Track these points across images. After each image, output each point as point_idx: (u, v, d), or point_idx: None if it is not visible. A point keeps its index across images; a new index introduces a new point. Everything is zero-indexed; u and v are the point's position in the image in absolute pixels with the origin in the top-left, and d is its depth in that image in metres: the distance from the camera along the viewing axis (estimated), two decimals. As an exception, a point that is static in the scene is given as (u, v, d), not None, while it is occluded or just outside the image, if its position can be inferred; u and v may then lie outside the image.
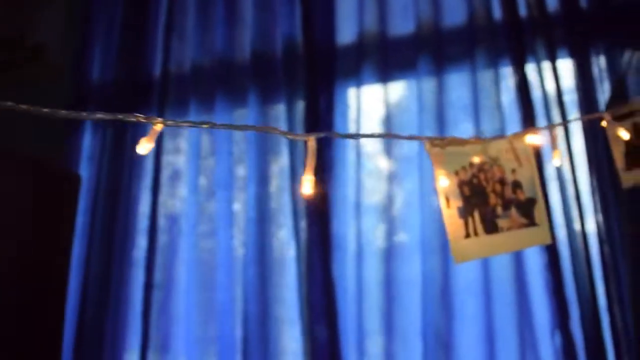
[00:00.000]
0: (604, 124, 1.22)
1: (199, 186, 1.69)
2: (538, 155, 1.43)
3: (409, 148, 1.60)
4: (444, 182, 1.11)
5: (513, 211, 1.15)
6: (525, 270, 1.51)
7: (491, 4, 1.62)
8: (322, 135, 0.99)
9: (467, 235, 1.12)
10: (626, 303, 1.44)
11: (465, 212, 1.13)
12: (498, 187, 1.16)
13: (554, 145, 1.18)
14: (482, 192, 1.15)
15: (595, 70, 1.53)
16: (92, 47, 1.86)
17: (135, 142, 1.67)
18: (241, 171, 1.67)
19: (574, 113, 1.55)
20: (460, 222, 1.12)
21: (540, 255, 1.50)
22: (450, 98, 1.59)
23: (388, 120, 1.64)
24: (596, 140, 1.47)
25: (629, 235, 1.45)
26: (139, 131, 1.69)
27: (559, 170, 1.49)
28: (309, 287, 1.55)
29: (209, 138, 1.71)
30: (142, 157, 1.70)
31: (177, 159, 1.74)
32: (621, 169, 1.20)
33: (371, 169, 1.63)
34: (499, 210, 1.15)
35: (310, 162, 0.92)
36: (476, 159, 1.14)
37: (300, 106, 1.65)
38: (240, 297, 1.59)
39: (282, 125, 1.65)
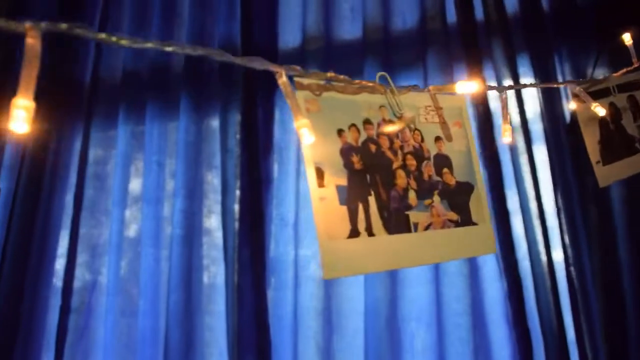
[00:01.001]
0: (572, 105, 1.05)
1: (123, 200, 1.52)
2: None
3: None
4: (308, 139, 0.67)
5: (436, 200, 0.79)
6: (482, 298, 1.32)
7: (445, 7, 1.48)
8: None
9: (353, 234, 0.71)
10: (598, 335, 1.25)
11: (352, 197, 0.72)
12: (412, 162, 0.79)
13: (504, 115, 0.90)
14: (384, 167, 0.76)
15: (558, 75, 1.37)
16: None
17: (58, 151, 1.58)
18: (170, 184, 1.52)
19: (537, 124, 1.39)
20: (342, 211, 0.70)
21: (500, 282, 1.31)
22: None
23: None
24: (561, 150, 1.30)
25: (599, 257, 1.28)
26: (62, 141, 1.57)
27: (519, 185, 1.32)
28: (239, 313, 1.36)
29: (138, 146, 1.56)
30: (64, 167, 1.56)
31: (103, 169, 1.59)
32: (596, 163, 1.04)
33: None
34: (412, 197, 0.78)
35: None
36: (375, 116, 0.76)
37: (236, 116, 1.50)
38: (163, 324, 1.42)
39: (216, 137, 1.51)
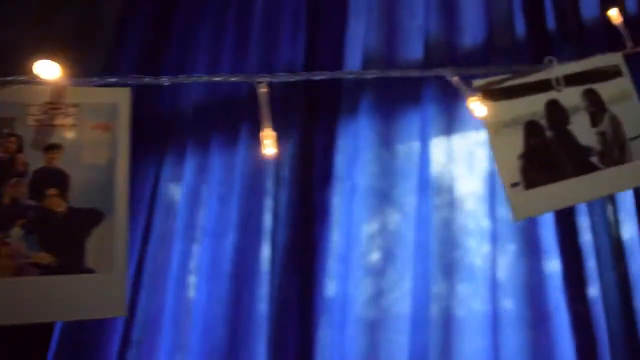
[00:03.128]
0: (475, 104, 0.86)
1: (186, 233, 1.53)
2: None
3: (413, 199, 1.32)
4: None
5: (14, 234, 0.56)
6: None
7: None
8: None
9: None
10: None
11: None
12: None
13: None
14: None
15: None
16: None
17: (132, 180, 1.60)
18: (227, 217, 1.48)
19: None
20: None
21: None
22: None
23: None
24: None
25: None
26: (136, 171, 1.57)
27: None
28: (280, 355, 1.31)
29: (202, 179, 1.57)
30: (137, 198, 1.57)
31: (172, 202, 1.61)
32: (511, 185, 0.88)
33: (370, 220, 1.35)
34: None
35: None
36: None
37: (292, 144, 1.45)
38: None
39: (271, 165, 1.45)
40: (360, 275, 1.29)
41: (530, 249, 1.18)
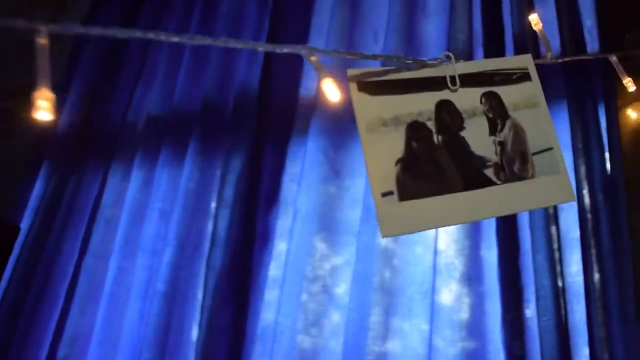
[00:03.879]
0: (325, 84, 0.72)
1: (123, 248, 1.47)
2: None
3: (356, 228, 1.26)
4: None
5: None
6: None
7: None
8: None
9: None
10: None
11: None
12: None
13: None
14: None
15: None
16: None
17: (75, 191, 1.54)
18: (167, 235, 1.44)
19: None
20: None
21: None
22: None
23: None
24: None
25: None
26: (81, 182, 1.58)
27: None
28: None
29: (143, 195, 1.52)
30: (78, 209, 1.54)
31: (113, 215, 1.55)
32: (382, 195, 0.73)
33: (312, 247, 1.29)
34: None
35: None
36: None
37: (239, 163, 1.40)
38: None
39: (215, 184, 1.41)
40: (297, 305, 1.24)
41: (472, 287, 1.14)
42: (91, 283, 1.46)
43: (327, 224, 1.28)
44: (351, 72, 0.77)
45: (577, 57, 1.01)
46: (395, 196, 0.73)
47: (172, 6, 1.74)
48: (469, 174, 0.77)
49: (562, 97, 1.17)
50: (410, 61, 0.79)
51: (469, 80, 0.81)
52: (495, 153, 0.79)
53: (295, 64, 1.46)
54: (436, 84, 0.80)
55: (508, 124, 0.81)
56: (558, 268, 1.07)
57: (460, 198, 0.76)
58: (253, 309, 1.27)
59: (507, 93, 0.82)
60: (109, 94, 1.69)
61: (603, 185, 1.08)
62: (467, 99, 0.81)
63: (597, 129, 1.13)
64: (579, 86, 1.16)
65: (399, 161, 0.76)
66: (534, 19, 0.92)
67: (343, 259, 1.24)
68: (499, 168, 0.78)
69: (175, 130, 1.53)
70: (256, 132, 1.41)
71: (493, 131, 0.80)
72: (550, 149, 0.81)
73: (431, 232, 1.18)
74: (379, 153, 0.75)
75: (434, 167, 0.76)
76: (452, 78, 0.81)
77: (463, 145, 0.79)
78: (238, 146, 1.41)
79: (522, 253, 1.12)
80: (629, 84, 1.05)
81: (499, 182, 0.78)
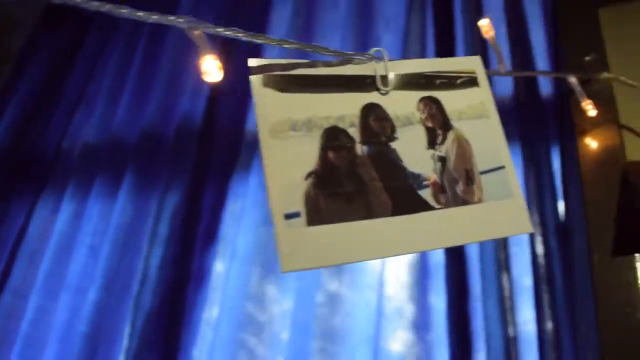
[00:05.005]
0: (206, 63, 0.60)
1: (45, 285, 1.38)
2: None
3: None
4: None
5: None
6: None
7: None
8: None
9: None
10: None
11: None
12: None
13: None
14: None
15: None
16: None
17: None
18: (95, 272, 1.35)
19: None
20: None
21: None
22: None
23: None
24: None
25: None
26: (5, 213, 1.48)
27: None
28: None
29: (72, 228, 1.43)
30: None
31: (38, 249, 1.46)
32: (285, 217, 0.52)
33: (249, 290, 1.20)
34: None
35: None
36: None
37: (176, 199, 1.33)
38: None
39: (150, 220, 1.32)
40: (231, 351, 1.16)
41: (420, 334, 1.08)
42: (6, 323, 1.36)
43: (268, 266, 1.21)
44: (253, 62, 0.61)
45: (533, 73, 0.90)
46: (302, 219, 0.56)
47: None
48: (400, 195, 0.61)
49: (514, 139, 1.13)
50: (331, 53, 0.63)
51: (404, 81, 0.66)
52: (434, 170, 0.63)
53: (242, 96, 1.40)
54: (364, 84, 0.65)
55: (450, 135, 0.66)
56: (509, 317, 1.02)
57: (387, 225, 0.59)
58: (184, 354, 1.19)
59: (450, 99, 0.67)
60: (45, 121, 1.62)
61: (557, 231, 1.05)
62: (401, 103, 0.65)
63: (549, 171, 1.10)
64: (532, 126, 1.13)
65: (309, 175, 0.58)
66: (484, 25, 0.79)
67: (283, 303, 1.17)
68: (438, 189, 0.62)
69: (111, 160, 1.46)
70: (196, 166, 1.35)
71: (432, 144, 0.65)
72: (502, 167, 0.66)
73: (377, 275, 1.12)
74: (284, 163, 0.57)
75: (354, 184, 0.59)
76: (384, 78, 0.65)
77: (393, 159, 0.62)
78: (176, 180, 1.34)
79: (472, 300, 1.06)
80: (589, 107, 0.93)
81: (437, 207, 0.61)
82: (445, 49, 1.27)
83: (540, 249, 1.04)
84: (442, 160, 0.64)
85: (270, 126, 0.59)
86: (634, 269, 0.92)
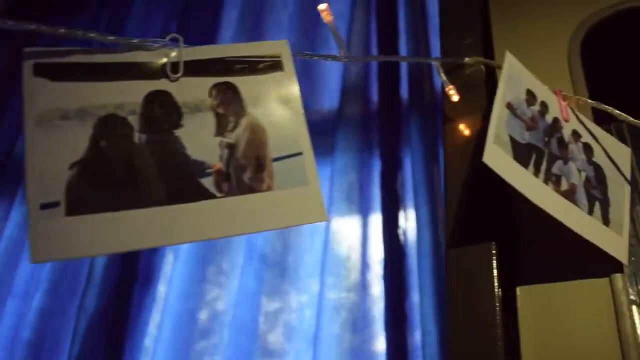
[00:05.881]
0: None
1: None
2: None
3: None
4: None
5: None
6: None
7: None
8: None
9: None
10: None
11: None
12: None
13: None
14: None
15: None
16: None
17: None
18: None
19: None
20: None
21: None
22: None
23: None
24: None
25: None
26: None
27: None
28: None
29: (22, 234, 1.40)
30: None
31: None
32: (40, 207, 0.51)
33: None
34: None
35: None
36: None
37: None
38: None
39: None
40: (176, 352, 1.13)
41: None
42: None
43: (210, 265, 1.19)
44: (28, 50, 0.60)
45: (385, 58, 0.87)
46: (61, 209, 0.55)
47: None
48: (178, 183, 0.59)
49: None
50: (121, 41, 0.62)
51: (198, 68, 0.65)
52: (220, 158, 0.62)
53: None
54: (152, 71, 0.63)
55: (244, 122, 0.64)
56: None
57: (160, 214, 0.58)
58: (128, 356, 1.15)
59: (249, 85, 0.65)
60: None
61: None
62: (192, 90, 0.64)
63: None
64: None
65: (75, 164, 0.57)
66: (323, 9, 0.77)
67: (223, 303, 1.14)
68: (222, 177, 0.61)
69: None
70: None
71: (221, 131, 0.63)
72: (299, 154, 0.65)
73: (315, 279, 1.10)
74: (48, 152, 0.56)
75: (127, 173, 0.58)
76: (175, 65, 0.64)
77: (175, 147, 0.61)
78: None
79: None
80: (452, 92, 0.91)
81: (219, 195, 0.60)
82: (389, 44, 1.27)
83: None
84: (231, 147, 0.63)
85: (37, 115, 0.58)
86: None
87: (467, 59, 0.93)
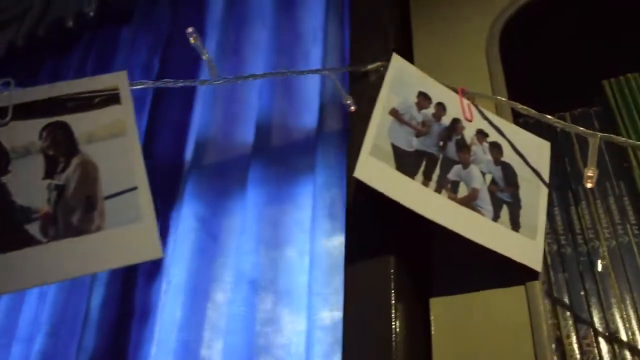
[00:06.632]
0: None
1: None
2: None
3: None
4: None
5: None
6: None
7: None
8: None
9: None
10: None
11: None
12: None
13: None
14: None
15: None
16: None
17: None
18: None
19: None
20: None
21: None
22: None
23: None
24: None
25: None
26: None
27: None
28: None
29: None
30: None
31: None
32: None
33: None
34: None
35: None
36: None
37: None
38: None
39: None
40: None
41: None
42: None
43: (200, 294, 1.18)
44: None
45: (267, 75, 0.82)
46: None
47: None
48: (4, 231, 0.58)
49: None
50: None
51: (30, 110, 0.64)
52: (48, 201, 0.60)
53: (178, 128, 1.41)
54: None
55: (75, 161, 0.62)
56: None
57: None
58: None
59: (82, 122, 0.64)
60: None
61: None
62: (21, 134, 0.62)
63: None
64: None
65: None
66: (190, 32, 0.75)
67: (213, 332, 1.14)
68: (49, 220, 0.59)
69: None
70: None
71: (50, 173, 0.61)
72: (134, 188, 0.62)
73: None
74: None
75: None
76: (4, 109, 0.63)
77: (2, 194, 0.60)
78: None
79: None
80: (349, 103, 0.86)
81: (44, 240, 0.58)
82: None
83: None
84: (60, 189, 0.61)
85: None
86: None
87: (369, 66, 0.88)
